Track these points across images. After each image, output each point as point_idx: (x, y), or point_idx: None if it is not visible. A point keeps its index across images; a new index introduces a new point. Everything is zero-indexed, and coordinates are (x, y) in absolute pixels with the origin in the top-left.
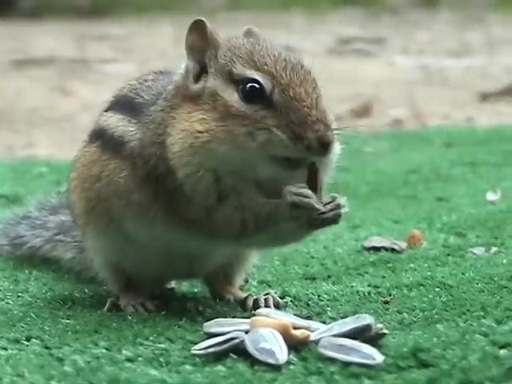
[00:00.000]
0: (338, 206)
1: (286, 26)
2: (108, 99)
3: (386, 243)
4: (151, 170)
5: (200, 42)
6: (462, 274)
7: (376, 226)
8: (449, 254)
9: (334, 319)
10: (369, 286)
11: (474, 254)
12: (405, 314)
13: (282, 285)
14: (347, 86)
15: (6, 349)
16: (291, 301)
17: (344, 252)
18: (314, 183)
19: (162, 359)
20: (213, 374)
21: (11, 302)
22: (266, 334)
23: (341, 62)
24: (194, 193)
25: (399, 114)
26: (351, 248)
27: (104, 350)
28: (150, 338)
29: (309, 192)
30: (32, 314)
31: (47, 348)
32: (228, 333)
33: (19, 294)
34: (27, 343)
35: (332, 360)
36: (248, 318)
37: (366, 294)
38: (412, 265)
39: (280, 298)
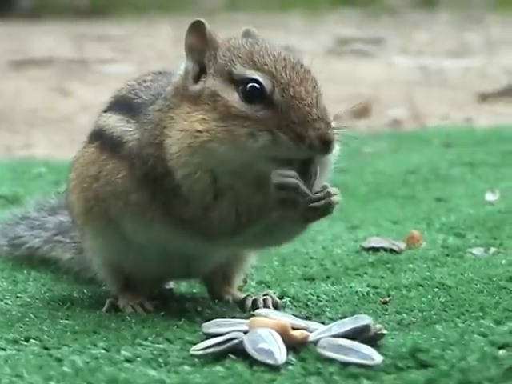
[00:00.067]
0: (329, 194)
1: (285, 27)
2: (107, 100)
3: (385, 244)
4: (149, 170)
5: (199, 42)
6: (461, 274)
7: (375, 226)
8: (448, 255)
9: (332, 320)
10: (368, 286)
11: (473, 254)
12: (404, 315)
13: (281, 285)
14: (346, 87)
15: (4, 349)
16: (290, 301)
17: (343, 252)
18: (305, 174)
19: (160, 360)
20: (212, 375)
21: (10, 303)
22: (265, 335)
23: (340, 62)
24: (190, 193)
25: (398, 115)
26: (350, 248)
27: (103, 351)
28: (149, 339)
29: (293, 173)
30: (31, 315)
31: (46, 348)
32: (227, 333)
33: (18, 294)
34: (26, 344)
35: (331, 360)
36: (247, 318)
37: (365, 294)
38: (411, 265)
39: (279, 298)
